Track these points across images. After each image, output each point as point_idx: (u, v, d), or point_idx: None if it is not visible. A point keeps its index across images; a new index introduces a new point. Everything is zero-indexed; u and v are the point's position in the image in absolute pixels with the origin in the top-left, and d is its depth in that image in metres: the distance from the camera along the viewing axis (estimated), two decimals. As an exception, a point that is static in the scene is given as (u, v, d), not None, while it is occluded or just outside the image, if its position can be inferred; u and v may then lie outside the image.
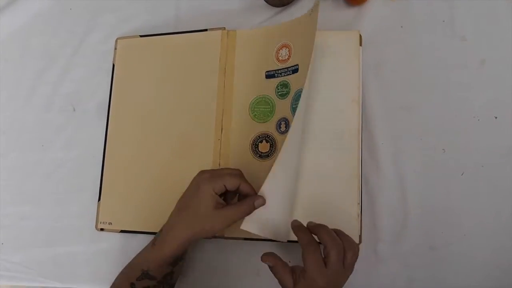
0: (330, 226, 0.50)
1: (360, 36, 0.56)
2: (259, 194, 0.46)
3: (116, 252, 0.57)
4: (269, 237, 0.48)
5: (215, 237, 0.53)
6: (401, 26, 0.59)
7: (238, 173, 0.47)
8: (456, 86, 0.56)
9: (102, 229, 0.57)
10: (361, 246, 0.51)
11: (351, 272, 0.44)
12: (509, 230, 0.53)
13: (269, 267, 0.45)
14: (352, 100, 0.55)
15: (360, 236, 0.52)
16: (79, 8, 0.66)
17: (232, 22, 0.61)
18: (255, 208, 0.45)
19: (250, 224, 0.47)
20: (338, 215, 0.52)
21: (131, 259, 0.56)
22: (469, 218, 0.53)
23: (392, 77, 0.57)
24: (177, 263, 0.49)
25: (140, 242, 0.56)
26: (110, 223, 0.57)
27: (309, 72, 0.49)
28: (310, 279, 0.41)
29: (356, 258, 0.44)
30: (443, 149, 0.55)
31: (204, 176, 0.46)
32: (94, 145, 0.60)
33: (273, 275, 0.45)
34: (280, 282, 0.45)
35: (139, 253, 0.49)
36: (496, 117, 0.55)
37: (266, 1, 0.60)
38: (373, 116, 0.56)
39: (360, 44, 0.56)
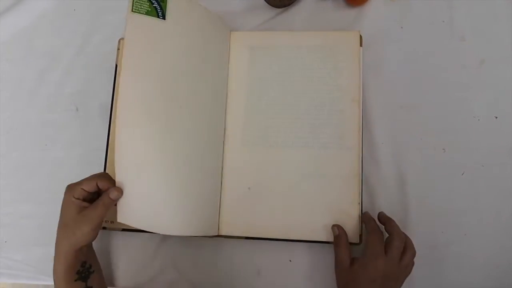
0: (331, 226, 0.51)
1: (361, 36, 0.57)
2: (116, 186, 0.48)
3: (118, 250, 0.58)
4: (162, 232, 0.50)
5: (216, 236, 0.53)
6: (401, 27, 0.60)
7: (98, 175, 0.49)
8: (456, 86, 0.57)
9: (104, 228, 0.57)
10: (361, 245, 0.52)
11: (405, 276, 0.48)
12: (509, 230, 0.53)
13: (334, 237, 0.51)
14: (352, 100, 0.55)
15: (360, 236, 0.52)
16: (83, 8, 0.67)
17: (234, 23, 0.61)
18: (113, 200, 0.47)
19: (127, 217, 0.48)
20: (338, 215, 0.53)
21: (132, 258, 0.57)
22: (469, 217, 0.54)
23: (392, 77, 0.58)
24: (88, 277, 0.50)
25: (141, 241, 0.57)
26: (111, 222, 0.57)
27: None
28: (369, 257, 0.46)
29: (413, 262, 0.48)
30: (444, 149, 0.55)
31: (66, 188, 0.48)
32: (97, 145, 0.60)
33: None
34: (337, 256, 0.49)
35: None
36: (496, 117, 0.56)
37: (267, 2, 0.61)
38: (373, 116, 0.57)
39: (361, 45, 0.57)
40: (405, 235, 0.49)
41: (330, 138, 0.55)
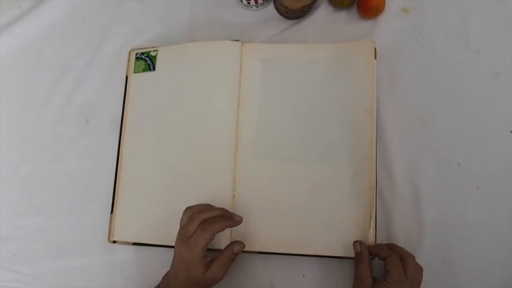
0: (346, 240, 0.53)
1: (375, 48, 0.58)
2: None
3: (129, 265, 0.59)
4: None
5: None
6: (416, 39, 0.61)
7: (218, 219, 0.49)
8: (471, 99, 0.58)
9: (114, 242, 0.58)
10: (375, 260, 0.53)
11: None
12: (525, 245, 0.54)
13: (356, 253, 0.50)
14: (366, 113, 0.56)
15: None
16: (93, 19, 0.68)
17: (246, 35, 0.63)
18: (236, 254, 0.50)
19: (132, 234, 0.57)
20: (353, 229, 0.54)
21: (143, 272, 0.58)
22: (484, 232, 0.55)
23: (406, 90, 0.59)
24: None
25: (152, 255, 0.58)
26: (122, 236, 0.58)
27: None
28: (395, 282, 0.46)
29: (420, 281, 0.48)
30: (458, 163, 0.56)
31: (182, 249, 0.48)
32: (107, 157, 0.61)
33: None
34: (358, 275, 0.49)
35: None
36: (511, 131, 0.57)
37: (280, 14, 0.62)
38: (388, 129, 0.58)
39: (375, 57, 0.57)
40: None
41: (344, 152, 0.56)
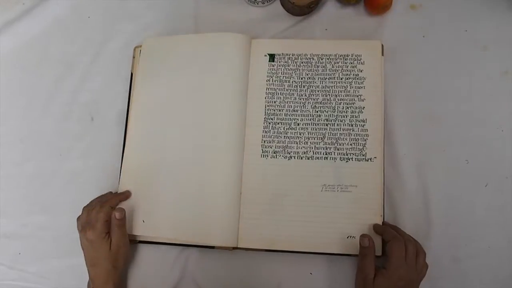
0: (360, 236, 0.52)
1: (382, 45, 0.58)
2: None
3: (133, 262, 0.59)
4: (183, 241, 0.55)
5: (235, 248, 0.55)
6: (423, 36, 0.62)
7: (102, 200, 0.56)
8: (479, 97, 0.59)
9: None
10: (384, 257, 0.53)
11: (421, 279, 0.50)
12: (534, 243, 0.55)
13: (362, 248, 0.51)
14: (374, 110, 0.57)
15: (383, 248, 0.54)
16: (98, 16, 0.68)
17: (252, 31, 0.63)
18: (120, 219, 0.53)
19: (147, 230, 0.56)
20: (360, 227, 0.54)
21: (149, 271, 0.59)
22: (493, 230, 0.56)
23: (414, 87, 0.60)
24: None
25: (157, 253, 0.59)
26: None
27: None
28: (393, 268, 0.49)
29: (426, 264, 0.51)
30: (467, 160, 0.57)
31: (88, 228, 0.53)
32: (112, 155, 0.62)
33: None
34: (363, 269, 0.50)
35: None
36: (520, 128, 0.57)
37: (286, 11, 0.63)
38: (395, 127, 0.59)
39: (382, 54, 0.58)
40: (413, 238, 0.52)
41: (352, 149, 0.57)
